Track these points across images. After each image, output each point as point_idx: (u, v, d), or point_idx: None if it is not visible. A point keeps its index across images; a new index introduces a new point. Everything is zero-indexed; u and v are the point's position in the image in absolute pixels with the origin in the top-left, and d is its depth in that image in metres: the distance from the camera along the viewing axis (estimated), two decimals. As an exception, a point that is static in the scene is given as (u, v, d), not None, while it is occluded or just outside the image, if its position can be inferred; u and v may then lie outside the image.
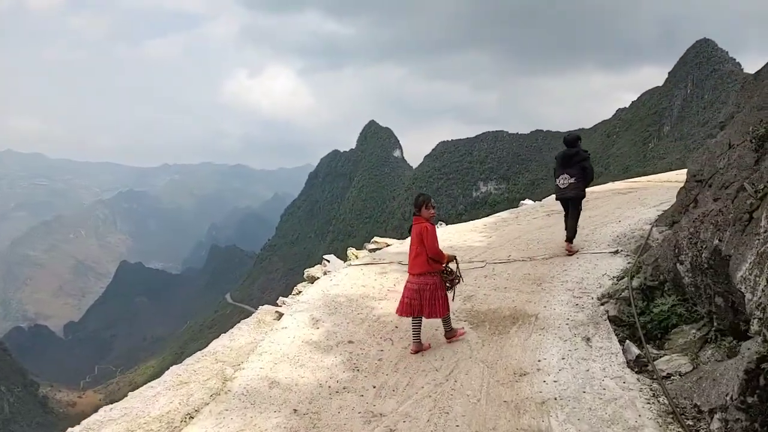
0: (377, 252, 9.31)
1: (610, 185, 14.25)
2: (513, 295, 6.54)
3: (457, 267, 6.07)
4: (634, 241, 8.12)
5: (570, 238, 8.75)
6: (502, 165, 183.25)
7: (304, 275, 8.69)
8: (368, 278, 7.92)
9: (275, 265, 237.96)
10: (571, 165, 8.74)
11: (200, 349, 6.54)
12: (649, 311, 5.45)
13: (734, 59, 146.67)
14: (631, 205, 10.66)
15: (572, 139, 8.96)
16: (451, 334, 5.93)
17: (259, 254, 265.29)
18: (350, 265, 8.82)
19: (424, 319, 5.83)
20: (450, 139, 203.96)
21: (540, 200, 13.97)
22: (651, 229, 8.06)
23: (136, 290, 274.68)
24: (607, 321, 5.47)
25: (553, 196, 9.42)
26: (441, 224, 11.54)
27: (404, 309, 5.80)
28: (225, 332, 7.13)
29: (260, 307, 7.90)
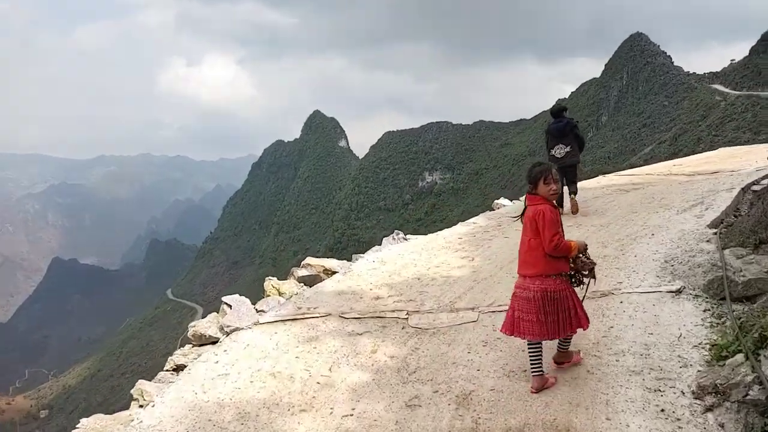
0: (308, 292, 6.15)
1: (601, 179, 11.61)
2: (540, 398, 3.61)
3: (588, 257, 4.00)
4: (692, 268, 5.37)
5: (575, 192, 8.97)
6: (446, 155, 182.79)
7: (189, 332, 5.52)
8: (283, 356, 4.65)
9: (218, 258, 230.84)
10: (565, 135, 9.01)
11: None
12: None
13: (665, 52, 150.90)
14: (650, 207, 7.93)
15: (558, 111, 9.19)
16: (565, 357, 4.05)
17: (201, 247, 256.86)
18: (258, 323, 5.36)
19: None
20: (395, 130, 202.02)
21: (519, 199, 11.08)
22: (721, 253, 5.34)
23: (71, 288, 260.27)
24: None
25: None
26: (398, 235, 8.56)
27: (514, 326, 3.89)
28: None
29: (138, 382, 4.81)
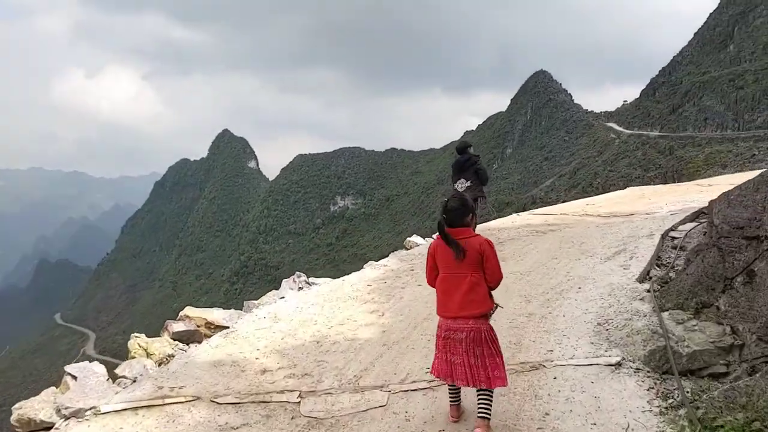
0: (175, 364, 4.84)
1: (516, 219, 11.11)
2: None
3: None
4: (630, 335, 4.71)
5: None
6: (359, 180, 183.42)
7: (13, 416, 4.11)
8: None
9: (114, 281, 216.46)
10: (466, 170, 9.13)
11: None
12: None
13: (566, 90, 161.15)
14: (571, 253, 7.25)
15: (462, 148, 9.49)
16: (487, 421, 3.47)
17: (96, 269, 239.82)
18: (98, 413, 3.90)
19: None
20: (308, 153, 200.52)
21: (432, 236, 10.27)
22: (661, 318, 4.78)
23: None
24: None
25: None
26: (300, 278, 7.50)
27: (450, 371, 3.52)
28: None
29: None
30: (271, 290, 7.68)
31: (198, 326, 6.13)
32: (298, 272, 7.81)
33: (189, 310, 6.28)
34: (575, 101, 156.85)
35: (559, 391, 4.04)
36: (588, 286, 6.02)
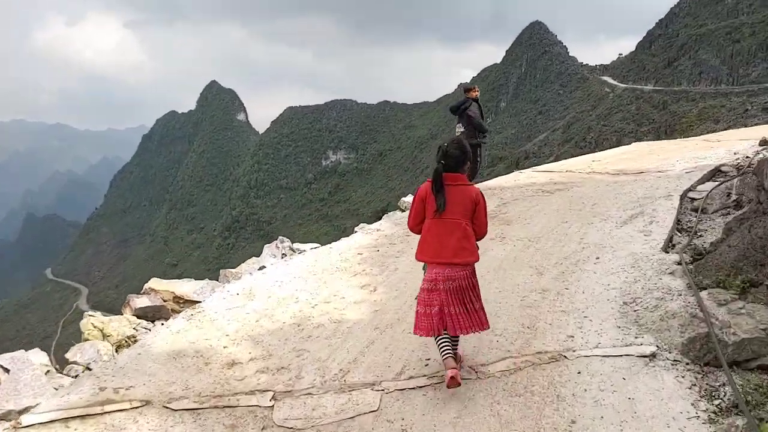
0: (124, 356, 4.03)
1: (519, 177, 10.26)
2: None
3: None
4: (664, 318, 4.00)
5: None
6: (351, 134, 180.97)
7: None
8: None
9: (104, 236, 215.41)
10: (461, 114, 9.00)
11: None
12: None
13: (561, 42, 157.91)
14: (582, 215, 6.56)
15: (464, 89, 9.32)
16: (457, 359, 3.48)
17: (85, 224, 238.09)
18: (18, 426, 3.08)
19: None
20: (298, 105, 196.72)
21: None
22: (698, 295, 4.10)
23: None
24: None
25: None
26: (283, 243, 6.77)
27: (446, 323, 3.37)
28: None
29: None
30: (264, 246, 6.94)
31: (165, 300, 5.41)
32: (281, 237, 7.06)
33: (154, 282, 5.54)
34: (570, 54, 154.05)
35: (586, 390, 3.37)
36: (606, 255, 5.29)
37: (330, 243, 6.99)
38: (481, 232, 3.51)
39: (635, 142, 16.19)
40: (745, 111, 77.29)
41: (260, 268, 6.00)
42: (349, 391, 3.42)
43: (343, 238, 6.93)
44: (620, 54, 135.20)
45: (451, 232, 3.40)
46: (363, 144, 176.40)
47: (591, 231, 6.09)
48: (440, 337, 3.41)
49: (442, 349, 3.39)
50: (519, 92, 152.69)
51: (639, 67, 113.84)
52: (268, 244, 6.95)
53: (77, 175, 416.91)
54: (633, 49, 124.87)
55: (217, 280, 6.17)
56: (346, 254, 6.17)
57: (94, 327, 4.80)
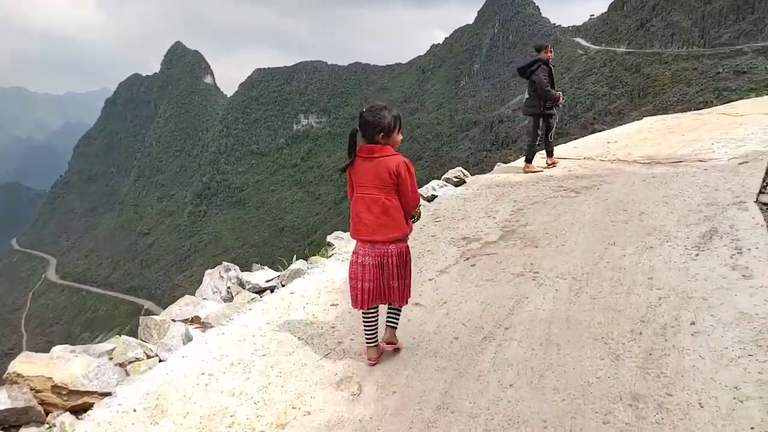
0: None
1: (523, 163, 9.16)
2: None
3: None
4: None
5: (528, 159, 8.40)
6: (322, 97, 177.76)
7: None
8: None
9: (71, 204, 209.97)
10: (527, 79, 8.17)
11: None
12: None
13: (534, 3, 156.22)
14: (631, 232, 4.93)
15: (535, 48, 8.30)
16: (395, 338, 3.50)
17: (50, 192, 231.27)
18: None
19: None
20: (267, 67, 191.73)
21: (437, 188, 7.78)
22: None
23: None
24: None
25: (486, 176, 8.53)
26: (229, 273, 4.79)
27: (370, 296, 3.32)
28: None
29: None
30: (205, 273, 5.07)
31: (38, 393, 3.03)
32: (226, 263, 5.12)
33: (22, 366, 3.11)
34: (543, 14, 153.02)
35: None
36: (703, 315, 3.34)
37: (293, 263, 5.38)
38: (408, 205, 3.31)
39: (637, 115, 14.14)
40: (717, 74, 78.28)
41: (186, 343, 3.85)
42: None
43: (311, 269, 5.25)
44: (592, 15, 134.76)
45: (368, 208, 3.28)
46: (335, 107, 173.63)
47: (657, 263, 4.22)
48: (369, 313, 3.37)
49: (367, 331, 3.40)
50: (492, 54, 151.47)
51: (611, 28, 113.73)
52: (209, 271, 5.09)
53: (38, 141, 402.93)
54: (605, 10, 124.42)
55: (140, 322, 4.14)
56: (314, 307, 4.31)
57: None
